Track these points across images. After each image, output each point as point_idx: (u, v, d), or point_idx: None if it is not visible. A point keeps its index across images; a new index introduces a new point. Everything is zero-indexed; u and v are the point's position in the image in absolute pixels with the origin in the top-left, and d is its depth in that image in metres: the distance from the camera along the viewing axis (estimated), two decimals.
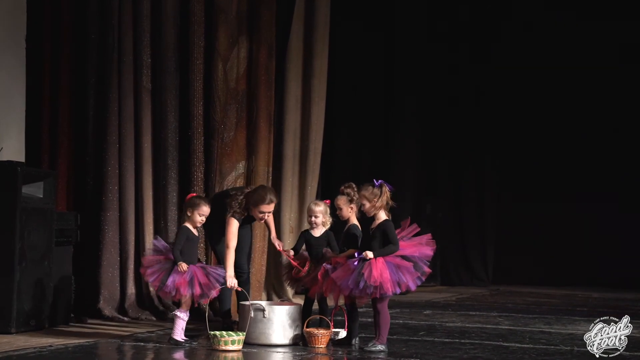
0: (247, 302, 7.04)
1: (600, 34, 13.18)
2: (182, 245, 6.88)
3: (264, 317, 6.90)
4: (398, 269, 6.63)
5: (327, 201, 7.40)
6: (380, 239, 6.69)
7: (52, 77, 8.71)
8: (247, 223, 7.61)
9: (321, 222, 7.31)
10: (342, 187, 7.16)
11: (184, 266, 6.78)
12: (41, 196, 7.62)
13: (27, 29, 8.62)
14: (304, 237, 7.42)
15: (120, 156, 8.57)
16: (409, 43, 13.18)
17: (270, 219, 7.65)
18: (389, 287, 6.55)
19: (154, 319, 8.32)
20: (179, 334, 6.87)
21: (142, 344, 6.94)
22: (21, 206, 7.36)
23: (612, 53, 13.20)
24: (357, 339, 6.97)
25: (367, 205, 6.77)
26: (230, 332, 6.77)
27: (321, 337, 6.86)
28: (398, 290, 6.63)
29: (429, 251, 6.77)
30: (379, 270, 6.57)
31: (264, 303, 7.12)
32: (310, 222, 7.34)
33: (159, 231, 8.53)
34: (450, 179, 13.72)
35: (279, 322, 6.91)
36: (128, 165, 8.59)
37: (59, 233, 7.85)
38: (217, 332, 6.70)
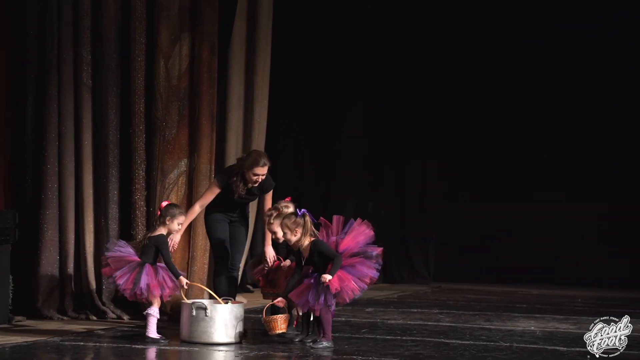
0: (189, 301, 7.03)
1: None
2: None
3: (206, 315, 6.88)
4: (353, 267, 6.68)
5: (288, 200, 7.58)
6: (320, 259, 6.74)
7: None
8: (232, 210, 7.67)
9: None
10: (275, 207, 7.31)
11: (184, 281, 7.08)
12: None
13: None
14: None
15: (60, 154, 8.47)
16: (355, 41, 13.18)
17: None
18: (349, 292, 6.64)
19: (94, 318, 8.24)
20: (153, 332, 7.01)
21: (81, 343, 6.87)
22: None
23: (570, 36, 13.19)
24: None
25: (289, 234, 6.81)
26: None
27: (280, 320, 6.87)
28: (365, 286, 6.73)
29: (368, 232, 6.83)
30: (337, 277, 6.63)
31: (206, 302, 7.10)
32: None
33: (99, 230, 8.45)
34: (394, 176, 13.73)
35: (221, 320, 6.89)
36: (68, 163, 8.49)
37: None
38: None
